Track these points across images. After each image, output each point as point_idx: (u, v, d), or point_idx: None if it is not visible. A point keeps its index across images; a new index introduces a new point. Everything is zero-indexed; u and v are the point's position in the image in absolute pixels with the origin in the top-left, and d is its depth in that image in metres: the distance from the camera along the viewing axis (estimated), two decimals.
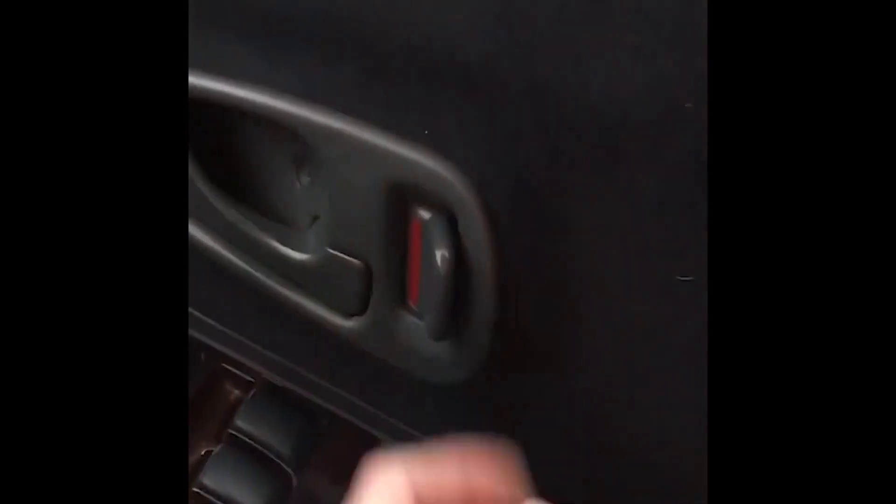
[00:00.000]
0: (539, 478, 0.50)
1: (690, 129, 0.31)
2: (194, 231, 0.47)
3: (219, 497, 0.50)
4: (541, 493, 0.50)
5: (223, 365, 0.56)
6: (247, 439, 0.52)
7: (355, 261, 0.43)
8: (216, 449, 0.52)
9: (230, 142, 0.46)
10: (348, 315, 0.46)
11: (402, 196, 0.39)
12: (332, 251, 0.43)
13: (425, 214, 0.39)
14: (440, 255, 0.38)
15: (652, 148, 0.33)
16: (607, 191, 0.35)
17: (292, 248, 0.45)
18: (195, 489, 0.51)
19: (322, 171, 0.41)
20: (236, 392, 0.56)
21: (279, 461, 0.52)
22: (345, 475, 0.55)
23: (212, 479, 0.50)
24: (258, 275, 0.47)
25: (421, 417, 0.52)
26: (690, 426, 0.40)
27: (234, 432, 0.52)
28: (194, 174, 0.45)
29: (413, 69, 0.36)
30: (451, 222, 0.39)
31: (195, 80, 0.41)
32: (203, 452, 0.53)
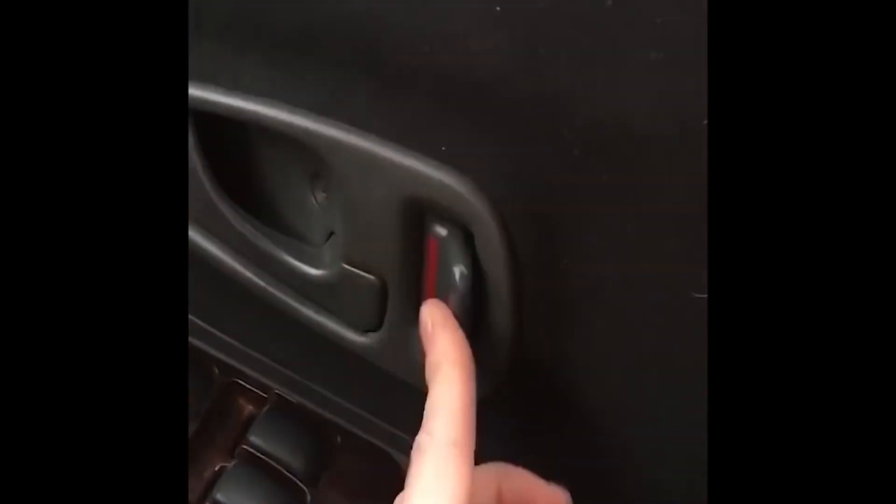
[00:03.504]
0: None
1: (702, 146, 0.31)
2: (209, 246, 0.47)
3: None
4: None
5: (236, 380, 0.56)
6: (260, 455, 0.52)
7: (370, 276, 0.43)
8: (230, 465, 0.52)
9: (246, 157, 0.46)
10: (363, 331, 0.46)
11: (418, 212, 0.39)
12: (347, 267, 0.43)
13: (441, 231, 0.39)
14: (458, 271, 0.38)
15: (664, 163, 0.32)
16: (621, 205, 0.35)
17: (307, 264, 0.45)
18: None
19: (337, 187, 0.41)
20: (249, 408, 0.56)
21: (293, 477, 0.52)
22: (358, 491, 0.55)
23: (226, 495, 0.50)
24: (273, 290, 0.47)
25: None
26: (695, 441, 0.40)
27: (247, 448, 0.52)
28: (210, 189, 0.45)
29: (428, 84, 0.36)
30: (468, 238, 0.39)
31: (212, 95, 0.41)
32: (217, 468, 0.53)
